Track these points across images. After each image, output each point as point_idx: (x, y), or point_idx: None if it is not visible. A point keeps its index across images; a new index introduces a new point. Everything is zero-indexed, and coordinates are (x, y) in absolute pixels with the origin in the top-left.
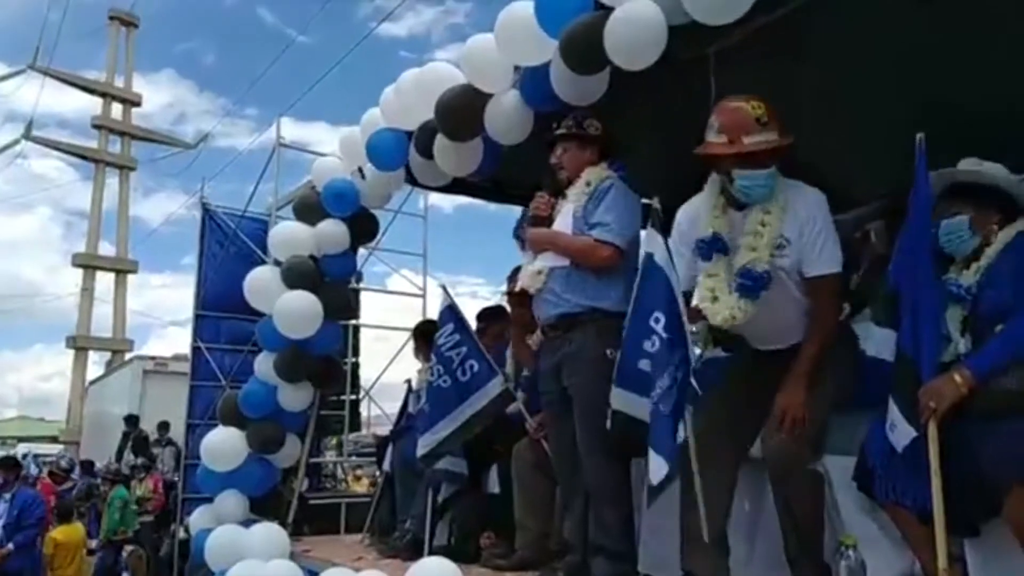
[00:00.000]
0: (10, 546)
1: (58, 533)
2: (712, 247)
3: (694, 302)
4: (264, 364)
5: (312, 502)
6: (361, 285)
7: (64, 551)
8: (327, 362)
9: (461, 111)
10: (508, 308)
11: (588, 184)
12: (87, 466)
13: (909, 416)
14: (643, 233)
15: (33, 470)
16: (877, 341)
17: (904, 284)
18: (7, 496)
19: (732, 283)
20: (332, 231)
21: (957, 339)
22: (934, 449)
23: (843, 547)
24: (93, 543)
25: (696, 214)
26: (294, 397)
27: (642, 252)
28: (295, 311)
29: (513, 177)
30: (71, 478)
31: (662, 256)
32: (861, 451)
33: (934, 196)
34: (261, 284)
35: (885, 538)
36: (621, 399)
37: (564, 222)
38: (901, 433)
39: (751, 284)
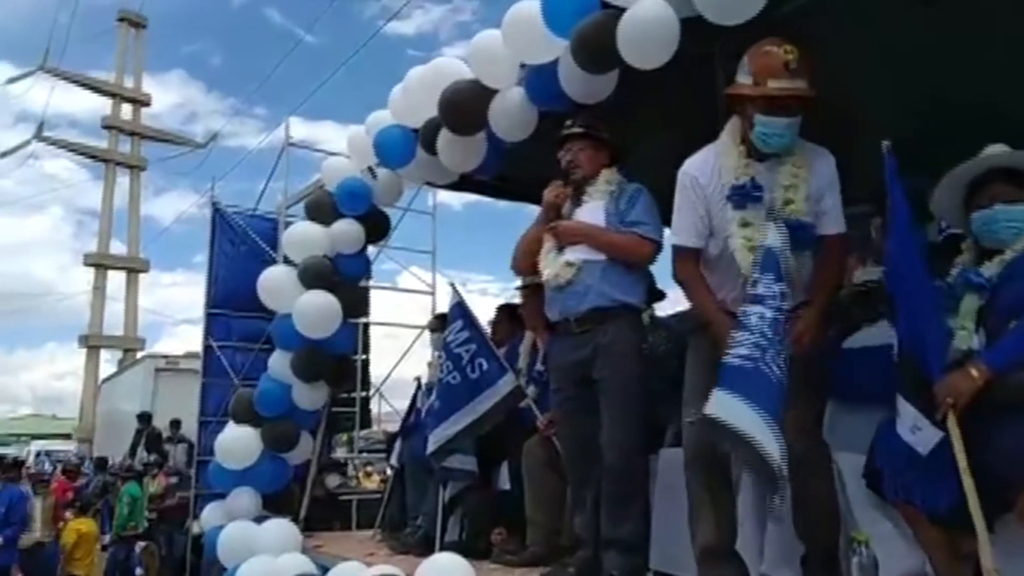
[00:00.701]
0: None
1: (81, 524)
2: (748, 194)
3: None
4: (279, 363)
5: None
6: (371, 283)
7: (85, 542)
8: (342, 361)
9: (465, 105)
10: (521, 303)
11: (609, 183)
12: (101, 463)
13: (931, 417)
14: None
15: (47, 467)
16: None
17: (899, 287)
18: None
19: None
20: (347, 230)
21: (971, 330)
22: (959, 446)
23: (855, 544)
24: (106, 538)
25: (711, 165)
26: (310, 396)
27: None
28: (315, 311)
29: (520, 174)
30: (83, 472)
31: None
32: (871, 449)
33: (977, 176)
34: (275, 284)
35: (897, 535)
36: (725, 404)
37: (594, 219)
38: (928, 434)
39: (800, 236)
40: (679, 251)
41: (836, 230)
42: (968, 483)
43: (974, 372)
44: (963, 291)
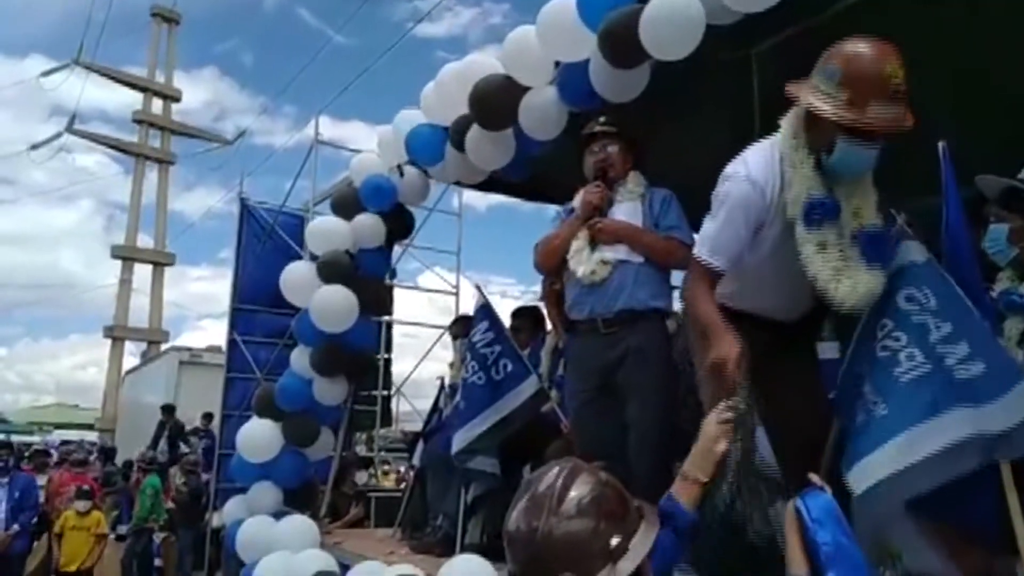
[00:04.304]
0: (16, 527)
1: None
2: (828, 212)
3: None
4: (300, 358)
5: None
6: (394, 281)
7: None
8: (361, 356)
9: (495, 99)
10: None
11: (638, 186)
12: (109, 453)
13: None
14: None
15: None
16: None
17: None
18: (4, 480)
19: (852, 254)
20: (368, 225)
21: (1015, 351)
22: (1006, 469)
23: (888, 559)
24: (123, 528)
25: (777, 173)
26: (329, 391)
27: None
28: (330, 305)
29: (550, 176)
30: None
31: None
32: None
33: (992, 199)
34: (297, 279)
35: (930, 551)
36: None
37: (632, 220)
38: None
39: (878, 248)
40: (706, 270)
41: None
42: (1013, 499)
43: None
44: (1007, 312)
